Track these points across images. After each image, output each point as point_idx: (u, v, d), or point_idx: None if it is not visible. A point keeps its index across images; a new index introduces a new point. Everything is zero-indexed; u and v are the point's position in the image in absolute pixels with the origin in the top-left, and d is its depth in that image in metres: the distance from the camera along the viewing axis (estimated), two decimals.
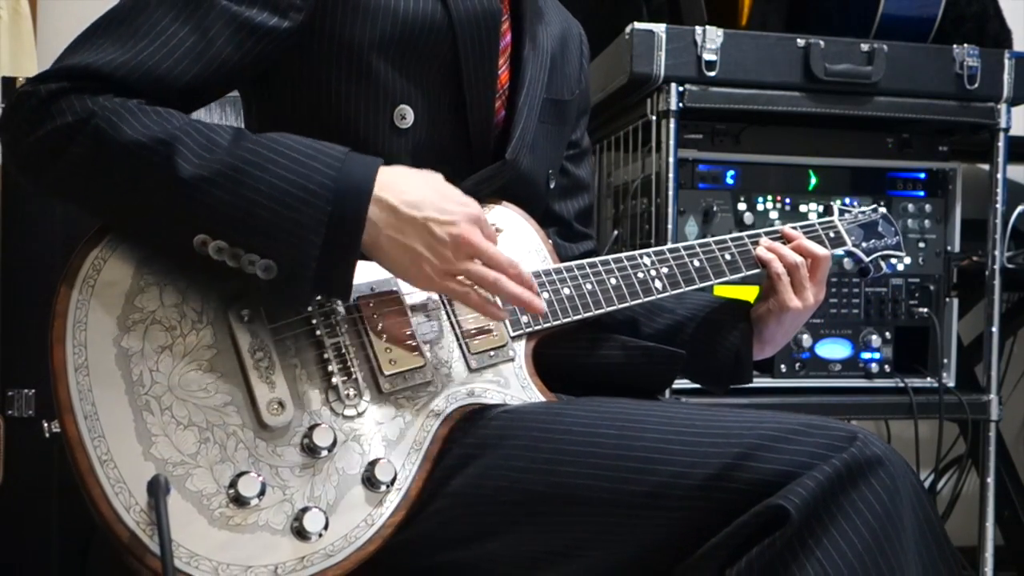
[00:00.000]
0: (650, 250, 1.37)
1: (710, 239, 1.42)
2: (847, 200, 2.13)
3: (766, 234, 1.45)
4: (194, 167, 1.04)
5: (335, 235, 1.05)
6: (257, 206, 1.04)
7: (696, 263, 1.38)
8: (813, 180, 2.17)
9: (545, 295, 1.27)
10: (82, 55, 1.09)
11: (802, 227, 1.48)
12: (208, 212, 1.04)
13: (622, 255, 1.35)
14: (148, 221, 1.08)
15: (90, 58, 1.08)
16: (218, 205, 1.04)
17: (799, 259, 1.40)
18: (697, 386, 2.02)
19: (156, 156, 1.04)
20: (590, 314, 1.30)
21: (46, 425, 1.06)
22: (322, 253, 1.04)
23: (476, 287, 1.14)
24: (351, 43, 1.21)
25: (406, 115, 1.24)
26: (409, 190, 1.10)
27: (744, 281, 1.51)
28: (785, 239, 1.44)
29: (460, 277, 1.12)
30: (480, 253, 1.12)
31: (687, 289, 1.38)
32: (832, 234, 1.51)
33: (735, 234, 1.44)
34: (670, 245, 1.39)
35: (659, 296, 1.35)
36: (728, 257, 1.42)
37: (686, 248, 1.39)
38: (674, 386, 1.99)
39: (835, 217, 1.55)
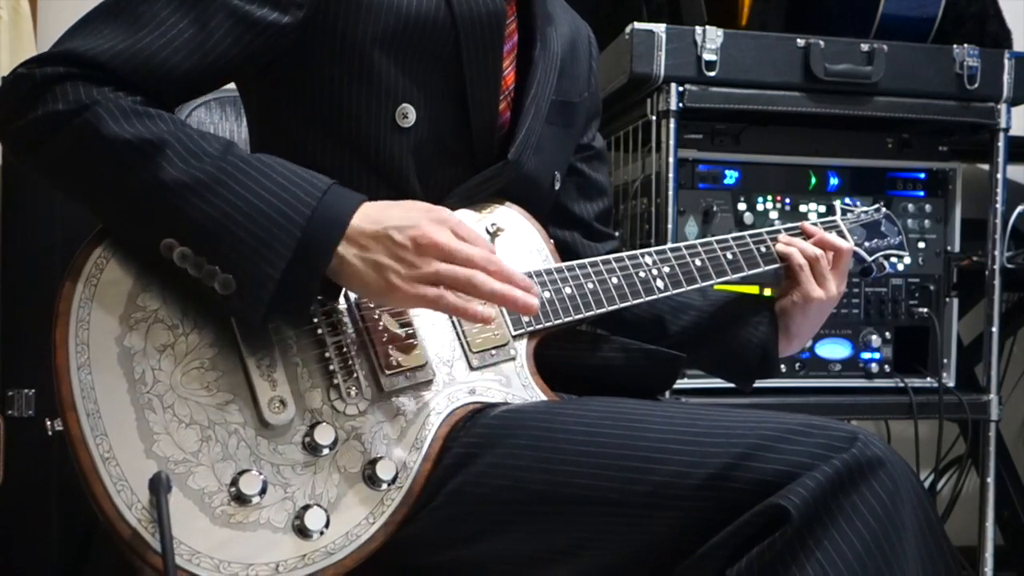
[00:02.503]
0: (652, 249, 1.37)
1: (712, 238, 1.42)
2: (847, 200, 2.13)
3: (786, 231, 1.48)
4: (177, 172, 1.04)
5: (299, 263, 1.05)
6: (230, 220, 1.04)
7: (698, 262, 1.38)
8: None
9: (547, 294, 1.27)
10: (82, 40, 1.09)
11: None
12: (181, 217, 1.04)
13: (623, 254, 1.35)
14: (122, 216, 1.08)
15: (89, 44, 1.08)
16: (192, 212, 1.04)
17: (819, 251, 1.44)
18: (697, 386, 2.02)
19: (141, 157, 1.04)
20: (591, 313, 1.29)
21: (48, 423, 1.06)
22: (283, 278, 1.04)
23: (450, 290, 1.08)
24: (353, 40, 1.20)
25: (408, 114, 1.24)
26: (376, 212, 1.09)
27: (744, 281, 1.51)
28: (805, 235, 1.48)
29: (432, 283, 1.08)
30: (446, 252, 1.07)
31: (688, 288, 1.37)
32: (835, 233, 1.51)
33: (736, 233, 1.44)
34: (671, 244, 1.39)
35: (661, 295, 1.35)
36: (730, 256, 1.42)
37: (688, 247, 1.39)
38: (675, 386, 1.99)
39: (837, 216, 1.55)
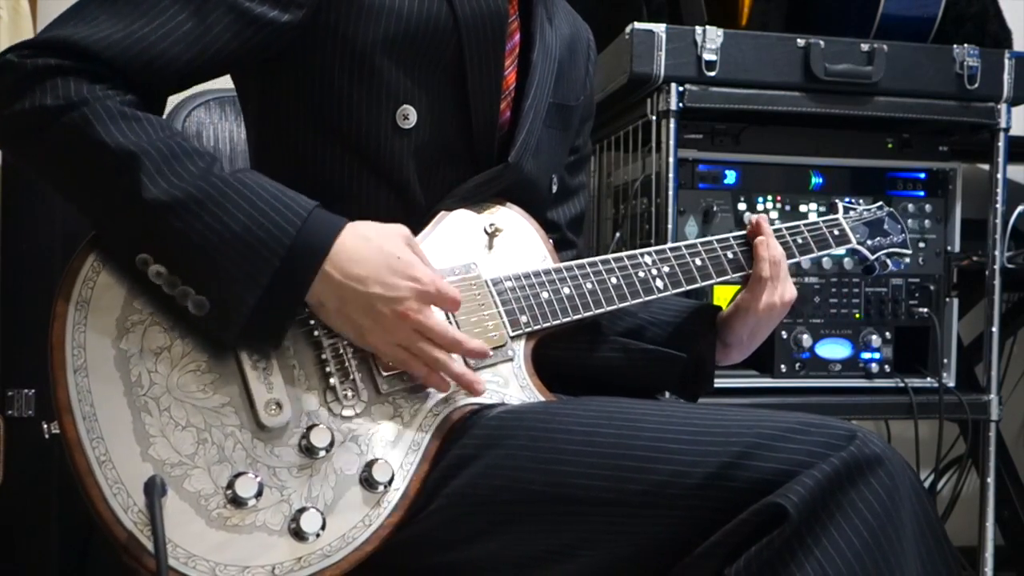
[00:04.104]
0: (651, 249, 1.36)
1: (712, 237, 1.40)
2: (848, 200, 2.12)
3: (734, 239, 1.41)
4: (157, 190, 1.04)
5: (277, 291, 1.05)
6: (206, 243, 1.04)
7: (698, 262, 1.37)
8: (817, 179, 2.17)
9: (545, 294, 1.27)
10: (76, 27, 1.07)
11: (806, 225, 1.48)
12: (157, 236, 1.05)
13: (623, 254, 1.34)
14: (100, 222, 1.08)
15: (84, 32, 1.07)
16: (169, 232, 1.04)
17: (781, 253, 1.38)
18: None
19: (123, 169, 1.04)
20: (590, 313, 1.29)
21: (45, 426, 1.06)
22: (258, 304, 1.05)
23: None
24: (355, 42, 1.20)
25: (409, 115, 1.23)
26: (359, 262, 1.09)
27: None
28: (755, 234, 1.40)
29: (404, 347, 1.12)
30: (426, 331, 1.11)
31: (688, 288, 1.36)
32: (836, 232, 1.50)
33: (737, 232, 1.42)
34: (671, 244, 1.38)
35: (660, 295, 1.34)
36: (730, 255, 1.40)
37: (688, 247, 1.38)
38: None
39: (840, 215, 1.54)
